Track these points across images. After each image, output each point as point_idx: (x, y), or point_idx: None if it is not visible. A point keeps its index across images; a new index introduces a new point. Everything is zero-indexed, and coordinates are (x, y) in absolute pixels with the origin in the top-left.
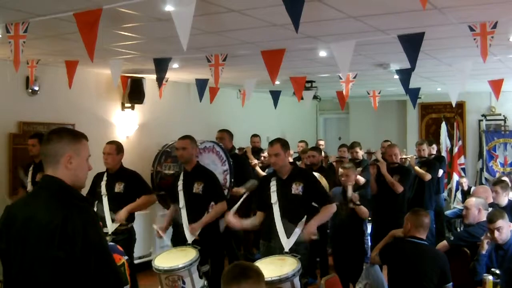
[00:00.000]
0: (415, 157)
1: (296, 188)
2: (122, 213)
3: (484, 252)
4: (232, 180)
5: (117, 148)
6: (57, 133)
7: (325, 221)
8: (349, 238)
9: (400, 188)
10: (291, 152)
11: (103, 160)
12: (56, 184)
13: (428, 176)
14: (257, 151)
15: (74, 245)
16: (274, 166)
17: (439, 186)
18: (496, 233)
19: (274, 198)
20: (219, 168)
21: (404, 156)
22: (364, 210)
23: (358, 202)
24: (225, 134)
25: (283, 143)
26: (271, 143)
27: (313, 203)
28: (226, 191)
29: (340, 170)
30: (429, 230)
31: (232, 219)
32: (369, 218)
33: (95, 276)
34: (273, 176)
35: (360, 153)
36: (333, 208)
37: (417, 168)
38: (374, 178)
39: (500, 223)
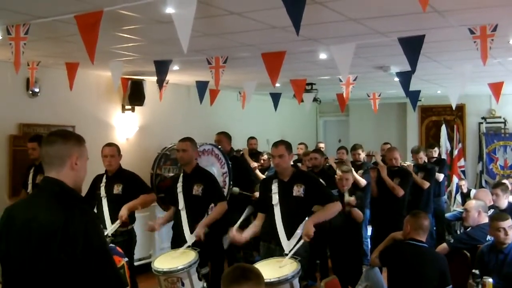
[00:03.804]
0: (412, 164)
1: (298, 190)
2: (123, 211)
3: None
4: (231, 182)
5: (117, 149)
6: (62, 136)
7: (326, 219)
8: (346, 241)
9: (401, 192)
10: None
11: (105, 162)
12: (57, 186)
13: (426, 185)
14: (254, 153)
15: (76, 247)
16: (277, 168)
17: (440, 189)
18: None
19: (275, 200)
20: (218, 170)
21: (401, 164)
22: (359, 213)
23: (354, 204)
24: (223, 137)
25: (287, 145)
26: (276, 145)
27: (316, 206)
28: (225, 192)
29: (339, 173)
30: (429, 233)
31: (236, 235)
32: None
33: (96, 278)
34: (275, 178)
35: (362, 155)
36: (337, 206)
37: (415, 176)
38: (375, 181)
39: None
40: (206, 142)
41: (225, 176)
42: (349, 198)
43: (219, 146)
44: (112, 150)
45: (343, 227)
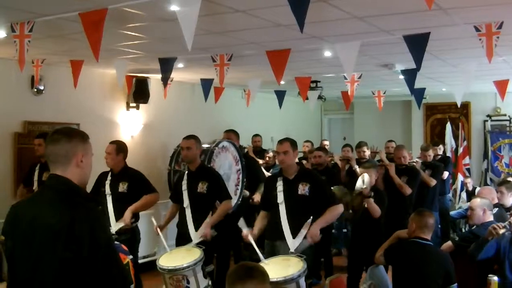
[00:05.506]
0: (420, 161)
1: (303, 189)
2: (126, 215)
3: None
4: (245, 179)
5: (117, 148)
6: (66, 133)
7: (329, 223)
8: (365, 237)
9: (408, 190)
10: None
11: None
12: (63, 184)
13: (433, 182)
14: (258, 151)
15: (82, 246)
16: (281, 164)
17: (444, 187)
18: None
19: (280, 198)
20: (233, 167)
21: (409, 161)
22: (374, 206)
23: (369, 194)
24: (232, 135)
25: (292, 142)
26: (281, 142)
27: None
28: (239, 190)
29: (362, 169)
30: (434, 231)
31: (246, 234)
32: None
33: (102, 276)
34: (280, 176)
35: (367, 153)
36: (339, 209)
37: (422, 174)
38: (382, 178)
39: None
40: (223, 139)
41: (239, 173)
42: (362, 188)
43: (235, 143)
44: (110, 148)
45: (362, 223)
